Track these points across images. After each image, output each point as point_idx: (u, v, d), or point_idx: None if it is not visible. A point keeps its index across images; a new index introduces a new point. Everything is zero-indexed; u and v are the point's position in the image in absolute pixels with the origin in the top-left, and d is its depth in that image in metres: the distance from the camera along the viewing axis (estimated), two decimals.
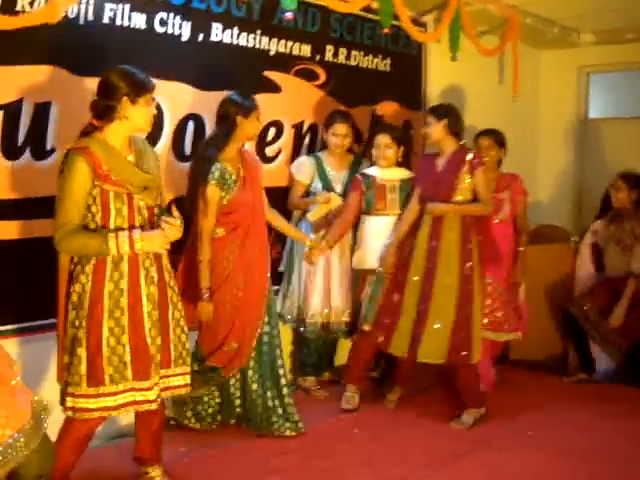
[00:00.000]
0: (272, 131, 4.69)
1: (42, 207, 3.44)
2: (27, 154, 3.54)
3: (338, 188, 4.73)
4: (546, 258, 5.71)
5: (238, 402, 4.10)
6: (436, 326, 4.25)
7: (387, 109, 5.48)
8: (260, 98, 4.47)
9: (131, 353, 3.04)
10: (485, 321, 4.54)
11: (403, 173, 4.59)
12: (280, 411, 4.03)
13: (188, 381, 3.27)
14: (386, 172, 4.56)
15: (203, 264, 3.79)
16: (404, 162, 4.67)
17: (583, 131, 7.20)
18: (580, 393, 4.96)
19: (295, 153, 4.86)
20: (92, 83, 3.43)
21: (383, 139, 4.51)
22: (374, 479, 3.62)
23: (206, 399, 4.08)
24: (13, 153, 3.50)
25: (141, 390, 3.07)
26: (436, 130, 4.36)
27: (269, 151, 4.72)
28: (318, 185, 4.72)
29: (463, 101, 6.04)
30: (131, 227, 3.03)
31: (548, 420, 4.47)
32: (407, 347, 4.32)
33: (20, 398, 2.42)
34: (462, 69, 5.95)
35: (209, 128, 4.24)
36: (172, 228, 3.05)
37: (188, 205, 3.81)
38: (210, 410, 4.10)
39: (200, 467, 3.68)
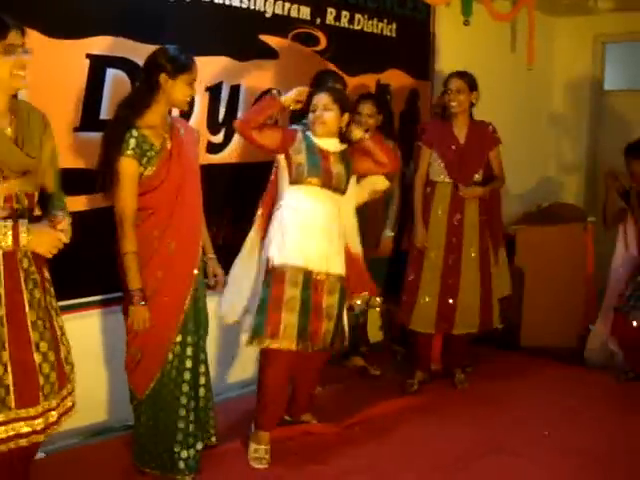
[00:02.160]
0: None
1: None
2: None
3: None
4: (561, 239, 5.38)
5: None
6: (468, 299, 4.35)
7: (393, 78, 5.09)
8: (255, 64, 4.16)
9: (14, 374, 2.47)
10: None
11: (343, 146, 3.61)
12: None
13: (74, 400, 2.71)
14: (324, 142, 3.56)
15: (128, 257, 3.01)
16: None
17: (598, 103, 6.83)
18: (599, 387, 4.63)
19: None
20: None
21: (322, 99, 3.52)
22: None
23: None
24: None
25: (26, 419, 2.51)
26: (467, 100, 4.30)
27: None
28: None
29: (473, 70, 5.63)
30: (13, 216, 2.45)
31: (565, 418, 4.14)
32: (433, 323, 4.38)
33: None
34: (473, 36, 5.57)
35: (198, 97, 3.86)
36: (66, 231, 2.53)
37: (100, 183, 3.07)
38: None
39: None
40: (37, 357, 2.52)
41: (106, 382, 3.77)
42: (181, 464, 3.22)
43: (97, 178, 3.07)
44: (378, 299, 4.08)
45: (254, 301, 3.48)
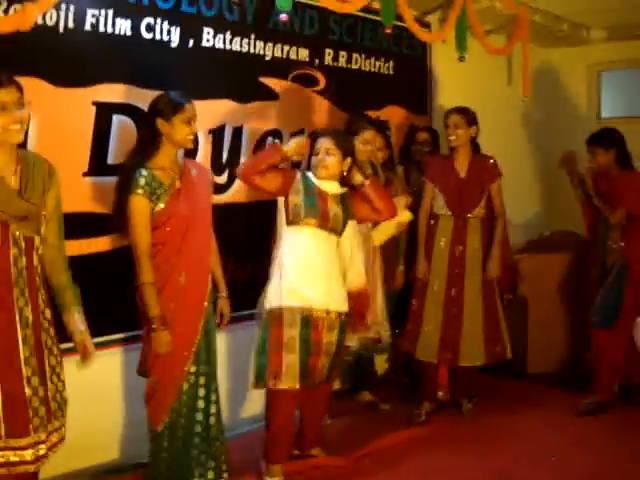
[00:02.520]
0: (270, 140, 4.40)
1: None
2: None
3: None
4: (563, 267, 5.45)
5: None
6: (471, 330, 4.42)
7: (392, 114, 5.20)
8: (257, 106, 4.27)
9: (4, 406, 2.57)
10: None
11: (342, 189, 3.70)
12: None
13: (63, 434, 2.80)
14: (324, 184, 3.66)
15: (146, 288, 3.16)
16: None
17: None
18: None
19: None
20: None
21: (324, 143, 3.63)
22: None
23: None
24: None
25: (15, 449, 2.61)
26: (465, 135, 4.41)
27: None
28: None
29: (471, 103, 5.74)
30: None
31: (572, 443, 4.17)
32: (435, 352, 4.44)
33: None
34: (469, 70, 5.68)
35: (202, 139, 3.98)
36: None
37: (116, 223, 3.28)
38: None
39: None
40: (28, 391, 2.62)
41: (121, 420, 3.84)
42: None
43: (113, 219, 3.26)
44: (384, 340, 4.29)
45: None
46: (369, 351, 4.57)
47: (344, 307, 3.65)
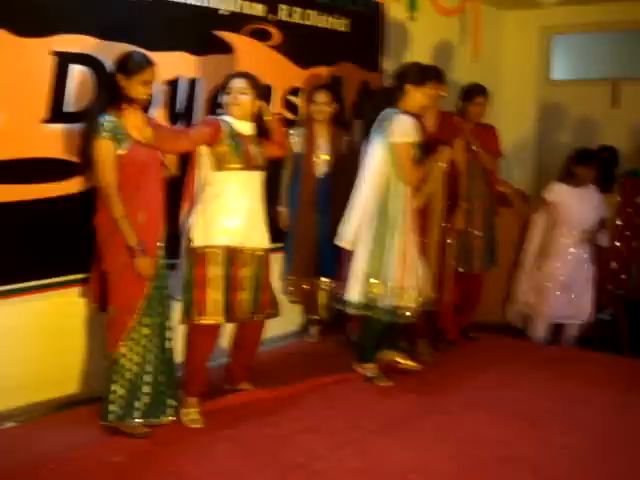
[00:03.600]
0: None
1: None
2: None
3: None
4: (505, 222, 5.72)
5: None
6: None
7: (345, 71, 5.39)
8: (212, 59, 4.42)
9: None
10: None
11: (255, 130, 3.91)
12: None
13: None
14: (241, 126, 3.84)
15: (121, 221, 3.45)
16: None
17: (545, 93, 7.17)
18: (534, 356, 4.99)
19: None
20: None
21: (238, 83, 3.80)
22: (324, 445, 3.60)
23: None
24: None
25: None
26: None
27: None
28: None
29: (422, 62, 5.95)
30: None
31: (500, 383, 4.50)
32: None
33: None
34: (421, 29, 5.89)
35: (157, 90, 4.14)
36: None
37: (83, 166, 3.60)
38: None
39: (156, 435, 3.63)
40: None
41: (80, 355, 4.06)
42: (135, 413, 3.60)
43: (80, 163, 3.58)
44: None
45: None
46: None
47: (264, 244, 3.92)
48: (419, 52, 5.93)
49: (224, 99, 3.84)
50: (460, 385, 4.44)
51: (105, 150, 3.44)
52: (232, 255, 3.77)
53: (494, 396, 4.27)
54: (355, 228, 4.29)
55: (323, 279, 5.03)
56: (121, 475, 3.27)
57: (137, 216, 3.51)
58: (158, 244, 3.63)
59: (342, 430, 3.76)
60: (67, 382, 3.98)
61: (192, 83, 4.37)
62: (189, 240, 3.77)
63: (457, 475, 3.34)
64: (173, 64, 4.24)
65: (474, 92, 5.08)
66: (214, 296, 3.72)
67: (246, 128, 3.85)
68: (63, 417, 3.82)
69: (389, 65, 5.68)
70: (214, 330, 3.84)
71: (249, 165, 3.80)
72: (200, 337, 3.81)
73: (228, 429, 3.73)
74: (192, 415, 3.79)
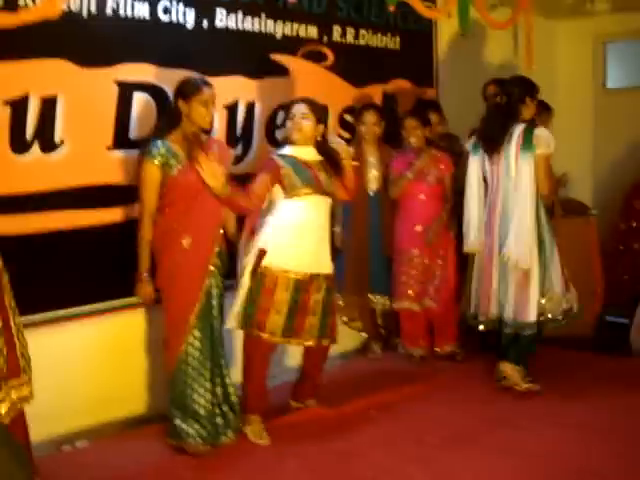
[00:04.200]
0: (281, 115, 4.63)
1: None
2: (35, 147, 3.57)
3: None
4: (564, 232, 5.64)
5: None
6: None
7: (398, 87, 5.44)
8: (268, 82, 4.52)
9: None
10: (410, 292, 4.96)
11: (320, 157, 3.91)
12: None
13: (31, 389, 3.03)
14: (302, 152, 3.86)
15: (141, 242, 3.57)
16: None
17: (601, 102, 7.09)
18: (602, 369, 4.91)
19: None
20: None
21: (300, 108, 3.83)
22: (392, 459, 3.61)
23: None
24: (21, 146, 3.53)
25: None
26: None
27: (279, 134, 4.67)
28: None
29: (476, 77, 5.97)
30: None
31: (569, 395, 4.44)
32: None
33: None
34: (475, 44, 5.89)
35: (218, 116, 4.25)
36: None
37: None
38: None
39: (216, 452, 3.69)
40: None
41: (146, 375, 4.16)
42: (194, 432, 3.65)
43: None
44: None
45: None
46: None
47: (331, 268, 3.93)
48: (473, 67, 5.95)
49: (287, 124, 3.89)
50: (525, 397, 4.40)
51: (150, 173, 3.54)
52: (303, 280, 3.78)
53: (561, 408, 4.23)
54: (530, 247, 4.33)
55: (376, 296, 5.07)
56: None
57: (182, 240, 3.58)
58: (209, 268, 3.68)
59: (409, 445, 3.77)
60: (134, 401, 4.08)
61: (250, 106, 4.46)
62: (256, 263, 3.76)
63: None
64: (231, 88, 4.34)
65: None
66: (276, 320, 3.75)
67: (309, 154, 3.87)
68: (132, 435, 3.91)
69: (443, 80, 5.71)
70: (270, 348, 3.87)
71: (317, 190, 3.81)
72: (256, 354, 3.84)
73: (295, 446, 3.77)
74: (257, 432, 3.84)
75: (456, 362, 5.04)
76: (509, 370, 4.49)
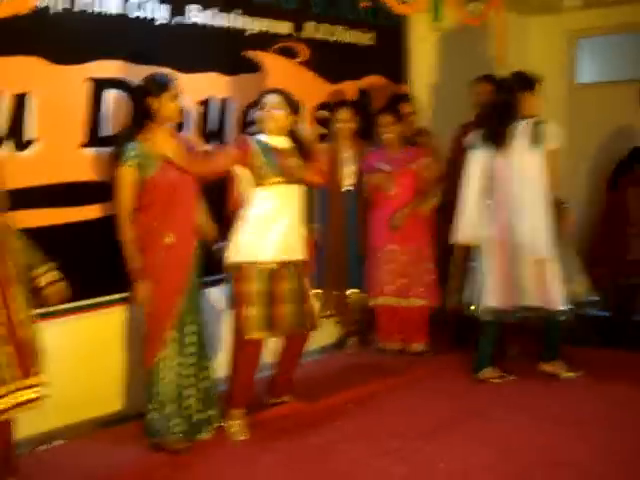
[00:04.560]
0: (252, 113, 4.61)
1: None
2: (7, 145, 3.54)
3: None
4: None
5: None
6: None
7: (373, 83, 5.46)
8: (241, 78, 4.51)
9: None
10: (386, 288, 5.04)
11: (292, 144, 3.94)
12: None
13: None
14: (275, 140, 3.88)
15: (125, 245, 3.58)
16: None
17: (573, 96, 7.14)
18: (578, 360, 4.93)
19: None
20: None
21: (272, 98, 3.85)
22: (368, 452, 3.63)
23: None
24: None
25: None
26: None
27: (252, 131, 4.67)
28: None
29: (447, 72, 6.01)
30: None
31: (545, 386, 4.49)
32: None
33: None
34: (447, 39, 5.91)
35: (190, 112, 4.24)
36: None
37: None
38: None
39: (192, 448, 3.69)
40: None
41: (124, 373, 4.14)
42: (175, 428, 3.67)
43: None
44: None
45: None
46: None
47: (302, 255, 3.93)
48: (445, 62, 5.98)
49: (258, 115, 3.90)
50: (500, 390, 4.44)
51: (125, 177, 3.57)
52: (274, 269, 3.80)
53: (538, 401, 4.27)
54: (546, 237, 4.33)
55: (353, 291, 5.08)
56: None
57: (164, 238, 3.61)
58: (191, 263, 3.71)
59: (384, 437, 3.79)
60: (112, 399, 4.06)
61: (223, 102, 4.46)
62: (228, 257, 3.82)
63: None
64: (205, 85, 4.34)
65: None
66: (253, 312, 3.75)
67: (282, 142, 3.88)
68: (109, 434, 3.90)
69: (416, 76, 5.74)
70: (257, 345, 3.86)
71: (288, 179, 3.83)
72: (243, 351, 3.85)
73: (272, 440, 3.78)
74: (237, 427, 3.85)
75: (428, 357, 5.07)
76: (549, 368, 4.63)
